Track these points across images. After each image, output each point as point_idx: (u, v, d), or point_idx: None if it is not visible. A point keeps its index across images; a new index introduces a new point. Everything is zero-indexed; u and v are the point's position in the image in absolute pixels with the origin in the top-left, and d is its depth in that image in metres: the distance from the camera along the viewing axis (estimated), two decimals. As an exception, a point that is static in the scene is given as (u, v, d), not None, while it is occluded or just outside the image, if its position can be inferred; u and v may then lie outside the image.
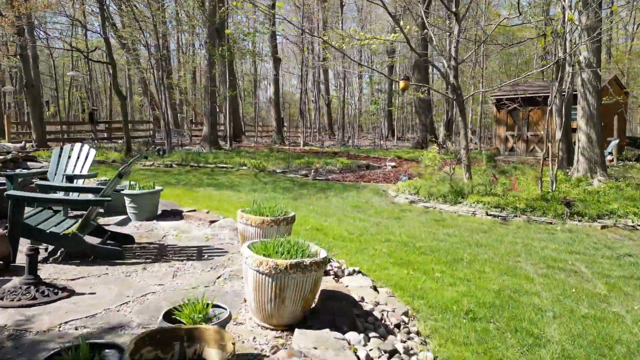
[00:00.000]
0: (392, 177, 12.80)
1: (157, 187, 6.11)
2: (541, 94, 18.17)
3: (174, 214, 6.22)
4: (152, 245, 4.70)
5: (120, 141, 23.41)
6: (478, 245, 5.77)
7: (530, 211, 7.66)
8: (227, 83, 21.67)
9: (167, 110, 18.59)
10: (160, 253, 4.42)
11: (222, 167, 14.18)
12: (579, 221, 7.27)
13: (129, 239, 4.66)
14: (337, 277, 4.06)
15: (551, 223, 7.24)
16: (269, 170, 13.72)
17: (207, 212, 6.58)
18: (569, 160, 12.92)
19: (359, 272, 4.26)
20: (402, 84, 8.16)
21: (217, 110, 19.05)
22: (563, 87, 10.14)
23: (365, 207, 8.13)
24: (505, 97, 19.54)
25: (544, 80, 21.95)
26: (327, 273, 4.02)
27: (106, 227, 4.76)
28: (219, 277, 3.77)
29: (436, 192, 8.38)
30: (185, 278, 3.72)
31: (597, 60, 11.60)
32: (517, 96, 19.34)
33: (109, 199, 4.23)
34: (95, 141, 21.92)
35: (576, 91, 12.43)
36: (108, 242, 4.50)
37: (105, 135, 26.75)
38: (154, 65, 18.71)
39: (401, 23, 11.59)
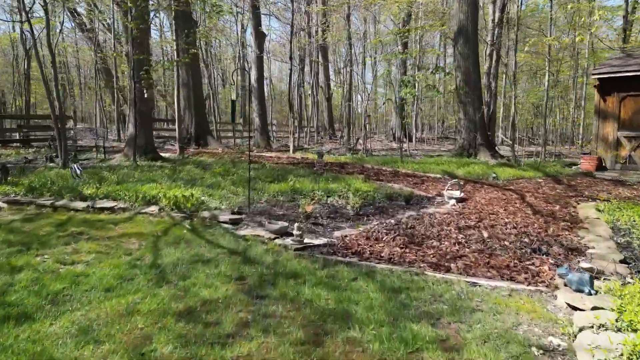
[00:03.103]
0: (497, 246, 5.23)
1: None
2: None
3: None
4: None
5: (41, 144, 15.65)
6: None
7: None
8: (177, 51, 14.12)
9: (53, 95, 10.99)
10: None
11: (104, 210, 6.61)
12: None
13: None
14: None
15: None
16: (204, 217, 6.20)
17: None
18: None
19: None
20: None
21: (147, 95, 11.43)
22: None
23: None
24: (619, 74, 12.02)
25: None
26: None
27: None
28: None
29: None
30: None
31: None
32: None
33: None
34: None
35: None
36: None
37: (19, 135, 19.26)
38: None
39: None
